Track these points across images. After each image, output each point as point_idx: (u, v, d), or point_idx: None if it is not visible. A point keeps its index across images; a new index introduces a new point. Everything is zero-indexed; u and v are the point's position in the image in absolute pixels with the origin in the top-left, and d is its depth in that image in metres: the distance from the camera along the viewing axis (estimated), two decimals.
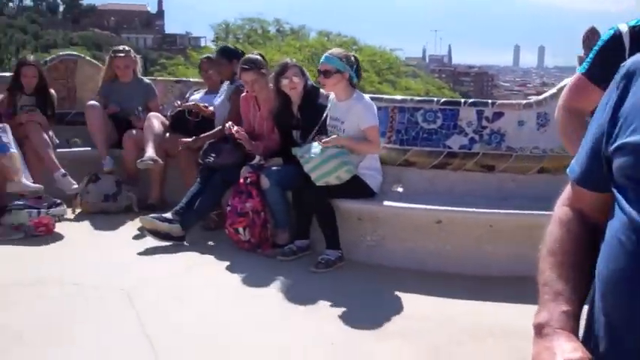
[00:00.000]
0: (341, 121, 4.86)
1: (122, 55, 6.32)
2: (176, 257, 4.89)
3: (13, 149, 5.32)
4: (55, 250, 4.98)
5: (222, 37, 43.09)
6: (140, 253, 4.95)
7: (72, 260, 4.76)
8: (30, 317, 3.79)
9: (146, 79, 6.55)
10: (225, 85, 5.97)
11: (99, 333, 3.60)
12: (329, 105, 5.02)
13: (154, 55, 51.07)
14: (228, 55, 6.02)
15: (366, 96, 4.97)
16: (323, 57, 4.90)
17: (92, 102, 6.17)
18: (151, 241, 5.08)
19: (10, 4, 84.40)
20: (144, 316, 3.81)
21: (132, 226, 5.54)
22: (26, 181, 5.23)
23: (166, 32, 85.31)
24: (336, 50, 5.02)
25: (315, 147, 4.73)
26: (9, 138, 5.35)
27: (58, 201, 5.38)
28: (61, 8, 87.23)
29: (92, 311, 3.92)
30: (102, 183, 5.88)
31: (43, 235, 5.21)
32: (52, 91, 6.23)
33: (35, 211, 5.19)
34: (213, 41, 39.62)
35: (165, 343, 3.49)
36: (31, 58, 6.38)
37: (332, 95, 5.02)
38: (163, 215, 5.14)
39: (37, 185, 5.27)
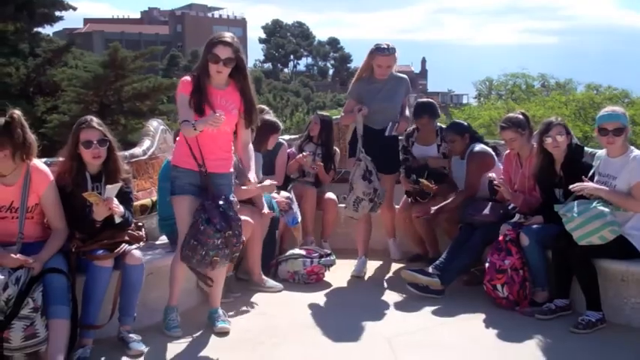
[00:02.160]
0: (613, 177, 4.74)
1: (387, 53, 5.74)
2: (435, 310, 5.06)
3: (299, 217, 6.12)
4: (324, 296, 5.42)
5: (485, 94, 43.19)
6: (399, 303, 5.21)
7: (338, 306, 5.17)
8: (299, 356, 4.23)
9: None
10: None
11: None
12: (597, 162, 4.94)
13: None
14: (459, 130, 6.02)
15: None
16: (608, 115, 4.74)
17: None
18: (409, 293, 5.32)
19: (285, 69, 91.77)
20: None
21: (391, 275, 5.92)
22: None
23: (429, 90, 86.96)
24: (615, 107, 4.88)
25: (579, 206, 4.66)
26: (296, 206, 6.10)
27: (329, 252, 5.87)
28: (331, 72, 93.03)
29: (355, 356, 4.23)
30: None
31: (313, 282, 5.70)
32: (337, 149, 6.83)
33: (309, 260, 5.71)
34: (475, 98, 39.87)
35: None
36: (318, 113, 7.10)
37: (600, 152, 4.95)
38: (424, 269, 5.37)
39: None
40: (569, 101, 31.34)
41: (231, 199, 4.39)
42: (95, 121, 4.31)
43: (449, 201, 5.84)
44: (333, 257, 5.85)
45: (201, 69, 4.34)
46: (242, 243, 4.47)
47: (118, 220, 4.16)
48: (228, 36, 4.35)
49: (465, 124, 6.17)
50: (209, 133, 4.21)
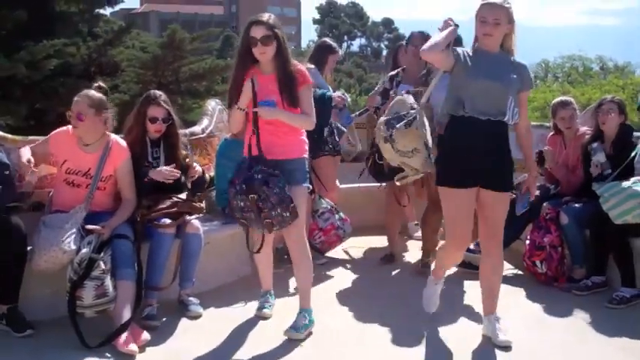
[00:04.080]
0: None
1: None
2: (475, 284, 5.25)
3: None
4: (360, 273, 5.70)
5: (541, 76, 42.65)
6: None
7: (380, 283, 5.45)
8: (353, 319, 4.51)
9: None
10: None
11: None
12: None
13: None
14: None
15: None
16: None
17: None
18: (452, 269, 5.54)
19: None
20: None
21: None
22: None
23: None
24: None
25: (616, 185, 4.81)
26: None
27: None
28: (384, 53, 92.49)
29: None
30: None
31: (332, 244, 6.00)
32: None
33: (319, 230, 5.91)
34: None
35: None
36: None
37: None
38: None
39: None
40: (626, 85, 30.82)
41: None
42: (162, 97, 4.68)
43: None
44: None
45: (244, 58, 4.08)
46: (283, 216, 4.00)
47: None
48: (259, 15, 4.07)
49: None
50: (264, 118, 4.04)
